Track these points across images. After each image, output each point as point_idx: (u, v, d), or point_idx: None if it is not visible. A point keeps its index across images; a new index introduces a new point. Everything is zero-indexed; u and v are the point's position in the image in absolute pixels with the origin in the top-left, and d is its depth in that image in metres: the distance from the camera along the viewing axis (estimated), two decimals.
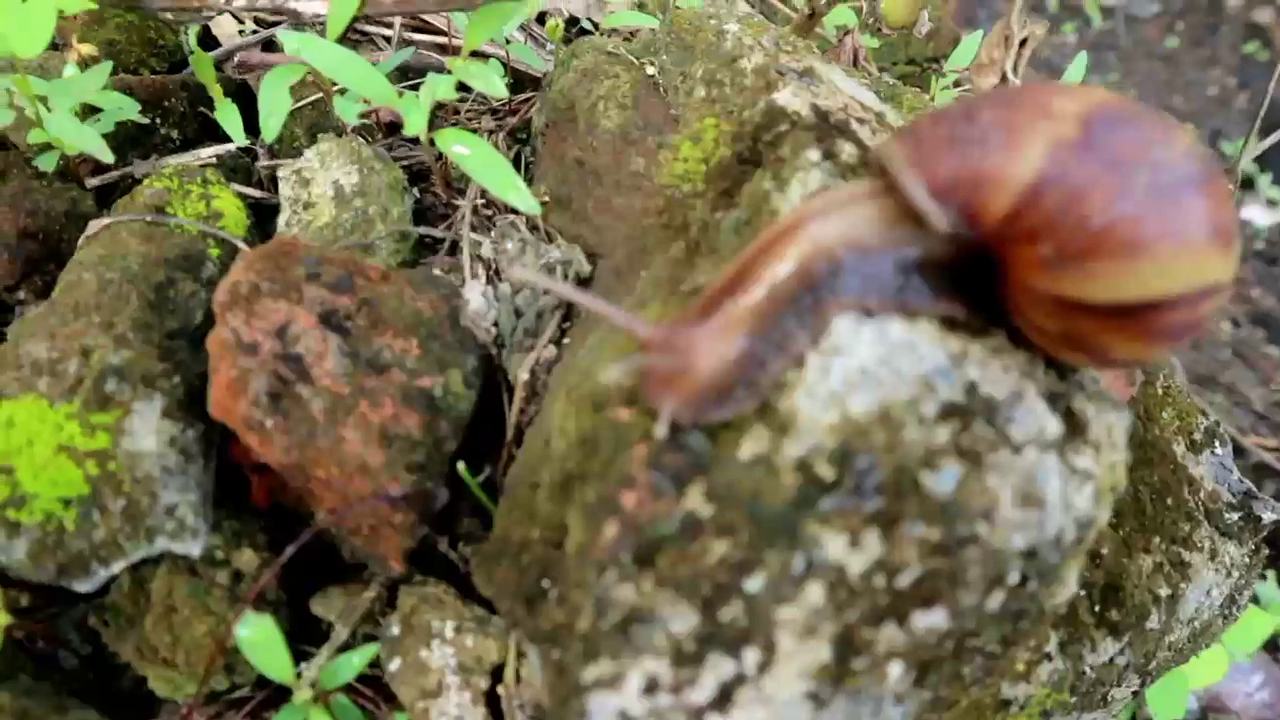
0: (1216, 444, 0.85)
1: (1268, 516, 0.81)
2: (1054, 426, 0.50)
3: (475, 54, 1.00)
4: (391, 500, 0.61)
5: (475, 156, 0.73)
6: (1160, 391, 0.83)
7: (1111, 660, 0.74)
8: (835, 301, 0.49)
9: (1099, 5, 2.88)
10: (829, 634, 0.47)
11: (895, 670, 0.50)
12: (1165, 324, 0.47)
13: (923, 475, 0.46)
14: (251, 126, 0.91)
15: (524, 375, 0.71)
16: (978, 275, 0.51)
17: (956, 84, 1.07)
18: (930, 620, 0.49)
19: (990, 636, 0.54)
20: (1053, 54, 2.82)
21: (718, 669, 0.47)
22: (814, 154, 0.61)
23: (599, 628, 0.49)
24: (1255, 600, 1.37)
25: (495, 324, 0.73)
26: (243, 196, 0.84)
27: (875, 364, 0.49)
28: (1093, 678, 0.74)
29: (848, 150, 0.62)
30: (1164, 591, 0.75)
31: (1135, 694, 0.84)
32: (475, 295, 0.72)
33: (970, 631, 0.52)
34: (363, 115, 0.92)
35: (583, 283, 0.77)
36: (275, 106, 0.72)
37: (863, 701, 0.53)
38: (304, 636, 0.72)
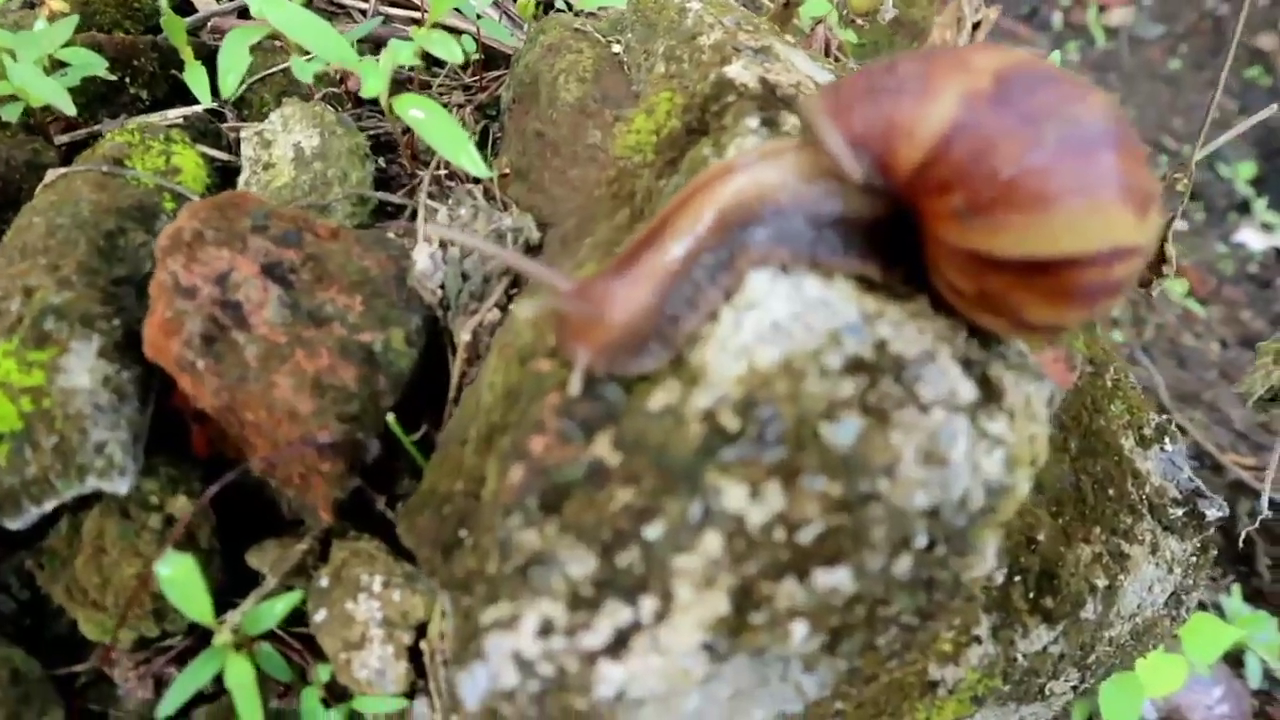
0: (1167, 440, 0.85)
1: (1211, 514, 0.81)
2: (967, 390, 0.51)
3: (448, 28, 1.01)
4: (319, 447, 0.61)
5: (430, 121, 0.73)
6: (1110, 384, 0.83)
7: (1045, 649, 0.74)
8: (750, 256, 0.50)
9: (1103, 25, 2.89)
10: (727, 585, 0.47)
11: (799, 630, 0.50)
12: (1076, 284, 0.46)
13: (822, 426, 0.46)
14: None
15: (466, 337, 0.71)
16: (897, 235, 0.51)
17: None
18: (834, 579, 0.49)
19: (903, 605, 0.54)
20: None
21: (615, 615, 0.47)
22: (753, 121, 0.61)
23: (502, 571, 0.49)
24: (1220, 613, 1.36)
25: (442, 286, 0.73)
26: (209, 158, 0.85)
27: (788, 319, 0.49)
28: (1025, 665, 0.74)
29: (791, 122, 0.63)
30: (1101, 582, 0.75)
31: (1076, 689, 0.83)
32: (423, 257, 0.72)
33: (880, 598, 0.52)
34: (333, 84, 0.93)
35: (531, 250, 0.77)
36: (233, 64, 0.73)
37: (769, 662, 0.53)
38: (242, 590, 0.72)
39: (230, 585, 0.72)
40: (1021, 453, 0.53)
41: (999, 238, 0.45)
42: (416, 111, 0.74)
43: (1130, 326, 2.08)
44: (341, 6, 1.01)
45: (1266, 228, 2.38)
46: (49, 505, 0.64)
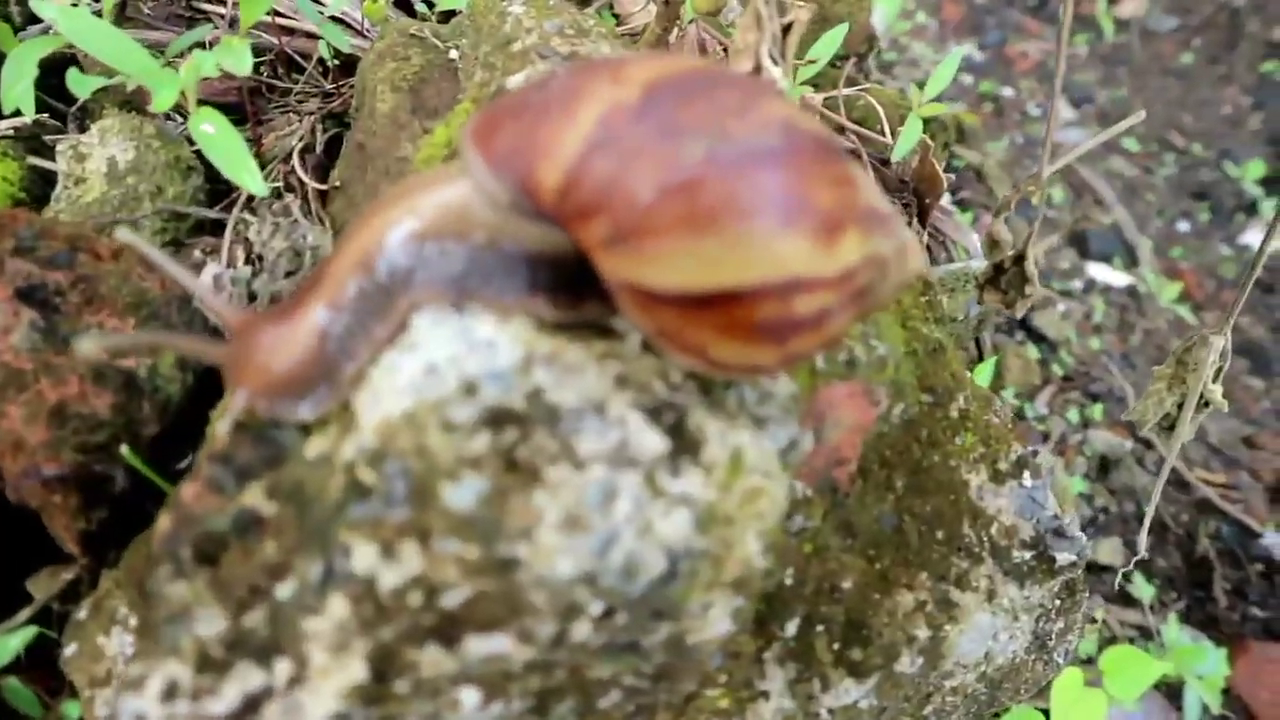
0: (1027, 475, 0.78)
1: (1063, 558, 0.75)
2: (650, 442, 0.46)
3: (310, 34, 0.99)
4: (45, 480, 0.59)
5: (215, 137, 0.71)
6: (956, 415, 0.76)
7: (855, 703, 0.69)
8: (407, 296, 0.46)
9: (1113, 18, 2.75)
10: (362, 651, 0.44)
11: (469, 697, 0.46)
12: (751, 320, 0.41)
13: (443, 486, 0.42)
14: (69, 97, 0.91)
15: None
16: (585, 269, 0.47)
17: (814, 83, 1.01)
18: (492, 646, 0.45)
19: (612, 669, 0.50)
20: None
21: (245, 679, 0.44)
22: None
23: (148, 625, 0.47)
24: (1162, 644, 1.28)
25: None
26: (41, 170, 0.84)
27: (445, 362, 0.45)
28: None
29: None
30: (921, 633, 0.69)
31: None
32: (206, 277, 0.70)
33: (577, 664, 0.48)
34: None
35: None
36: (19, 76, 0.71)
37: None
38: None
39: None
40: (727, 511, 0.48)
41: (647, 269, 0.41)
42: (207, 126, 0.71)
43: (1114, 332, 1.98)
44: (203, 13, 0.99)
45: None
46: None
